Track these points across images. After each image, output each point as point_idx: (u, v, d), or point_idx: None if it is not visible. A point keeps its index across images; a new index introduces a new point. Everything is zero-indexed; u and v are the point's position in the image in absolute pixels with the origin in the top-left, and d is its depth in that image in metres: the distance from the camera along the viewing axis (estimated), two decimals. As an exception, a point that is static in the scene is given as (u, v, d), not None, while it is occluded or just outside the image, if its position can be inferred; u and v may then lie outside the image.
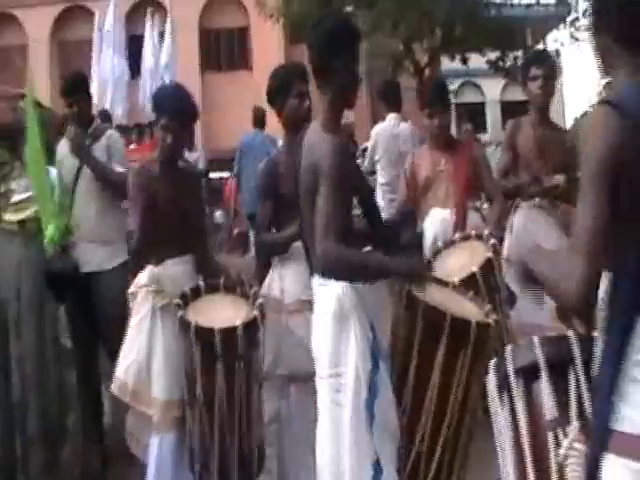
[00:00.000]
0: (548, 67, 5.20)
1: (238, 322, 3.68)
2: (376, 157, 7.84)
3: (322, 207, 3.11)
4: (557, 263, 2.14)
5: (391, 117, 7.93)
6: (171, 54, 14.51)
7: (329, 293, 3.17)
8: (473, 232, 4.29)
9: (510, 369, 2.47)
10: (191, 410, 3.75)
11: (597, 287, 2.00)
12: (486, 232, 4.19)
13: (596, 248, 1.97)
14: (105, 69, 14.21)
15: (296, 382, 4.06)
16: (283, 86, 4.16)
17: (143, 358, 3.98)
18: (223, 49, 28.50)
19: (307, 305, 3.98)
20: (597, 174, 1.99)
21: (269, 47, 25.75)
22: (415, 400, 3.37)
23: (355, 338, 3.13)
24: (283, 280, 4.20)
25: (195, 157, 11.63)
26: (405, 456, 3.32)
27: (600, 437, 2.01)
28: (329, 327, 3.15)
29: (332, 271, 3.12)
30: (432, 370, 3.36)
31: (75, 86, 5.23)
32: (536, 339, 2.50)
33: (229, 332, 3.65)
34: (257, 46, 27.15)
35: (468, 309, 3.52)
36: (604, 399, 2.00)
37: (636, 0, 2.14)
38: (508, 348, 2.50)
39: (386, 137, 7.82)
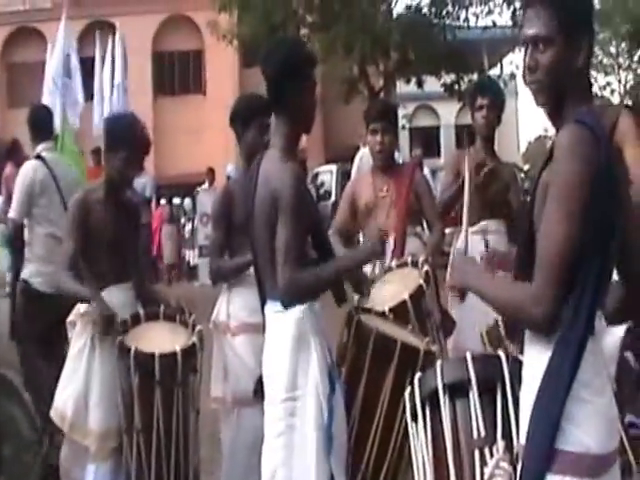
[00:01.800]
0: (493, 97, 5.20)
1: (177, 348, 3.76)
2: None
3: (283, 237, 3.14)
4: (515, 285, 2.19)
5: None
6: (122, 77, 14.49)
7: (287, 318, 3.19)
8: (409, 259, 4.35)
9: (439, 385, 2.53)
10: (128, 437, 3.79)
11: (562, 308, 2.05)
12: (421, 259, 4.24)
13: (566, 269, 2.03)
14: (55, 92, 14.13)
15: (240, 406, 4.12)
16: (246, 116, 4.29)
17: (81, 389, 4.01)
18: (177, 72, 28.51)
19: (251, 328, 4.07)
20: (578, 192, 2.03)
21: (223, 71, 25.86)
22: (362, 425, 3.48)
23: (315, 361, 3.17)
24: (230, 304, 4.29)
25: (142, 182, 11.60)
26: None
27: (543, 457, 2.06)
28: (288, 351, 3.18)
29: (295, 297, 3.16)
30: (380, 396, 3.46)
31: None
32: (469, 355, 2.58)
33: (169, 358, 3.72)
34: (211, 70, 27.25)
35: (412, 339, 3.65)
36: (548, 419, 2.05)
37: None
38: (438, 363, 2.57)
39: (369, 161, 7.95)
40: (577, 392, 2.05)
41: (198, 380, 3.90)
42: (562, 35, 2.17)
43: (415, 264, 4.25)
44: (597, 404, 2.07)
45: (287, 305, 3.16)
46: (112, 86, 14.12)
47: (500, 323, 3.54)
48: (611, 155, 2.11)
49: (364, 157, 8.03)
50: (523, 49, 2.29)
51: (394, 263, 4.39)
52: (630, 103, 29.63)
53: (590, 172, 2.04)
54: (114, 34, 14.25)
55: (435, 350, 3.55)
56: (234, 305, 4.27)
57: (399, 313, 3.91)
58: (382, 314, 3.86)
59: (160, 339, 3.92)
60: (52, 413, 4.07)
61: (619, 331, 3.49)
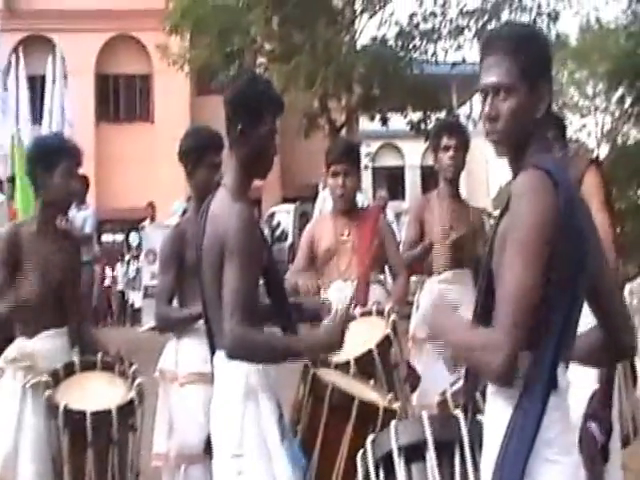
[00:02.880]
0: (461, 137, 5.29)
1: (112, 405, 3.69)
2: None
3: (230, 285, 3.12)
4: (477, 333, 2.23)
5: None
6: (60, 100, 14.24)
7: (236, 370, 3.20)
8: (374, 307, 4.39)
9: (394, 447, 2.60)
10: None
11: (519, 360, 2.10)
12: (387, 308, 4.29)
13: (526, 320, 2.09)
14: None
15: (187, 463, 4.11)
16: (195, 153, 4.33)
17: (11, 444, 3.91)
18: (122, 98, 28.39)
19: (201, 377, 4.08)
20: (535, 240, 2.10)
21: (173, 98, 25.79)
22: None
23: (263, 418, 3.18)
24: (179, 352, 4.29)
25: (83, 216, 11.48)
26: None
27: None
28: (236, 406, 3.18)
29: (239, 355, 3.14)
30: (337, 456, 3.48)
31: None
32: (425, 416, 2.65)
33: (103, 416, 3.66)
34: (160, 96, 27.13)
35: (372, 395, 3.68)
36: (511, 479, 2.10)
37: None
38: (392, 424, 2.64)
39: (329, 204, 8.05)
40: (541, 451, 2.10)
41: (137, 439, 3.83)
42: (524, 83, 2.27)
43: (380, 313, 4.29)
44: (563, 464, 2.13)
45: (229, 357, 3.15)
46: (49, 110, 13.92)
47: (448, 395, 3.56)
48: (572, 200, 2.18)
49: (327, 200, 8.13)
50: (481, 98, 2.40)
51: (357, 311, 4.39)
52: (607, 147, 30.22)
53: (547, 218, 2.11)
54: (53, 52, 14.12)
55: (397, 408, 3.55)
56: (183, 353, 4.25)
57: (364, 364, 3.93)
58: (345, 364, 3.86)
59: (95, 393, 3.86)
60: None
61: (583, 399, 3.61)
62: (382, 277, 5.07)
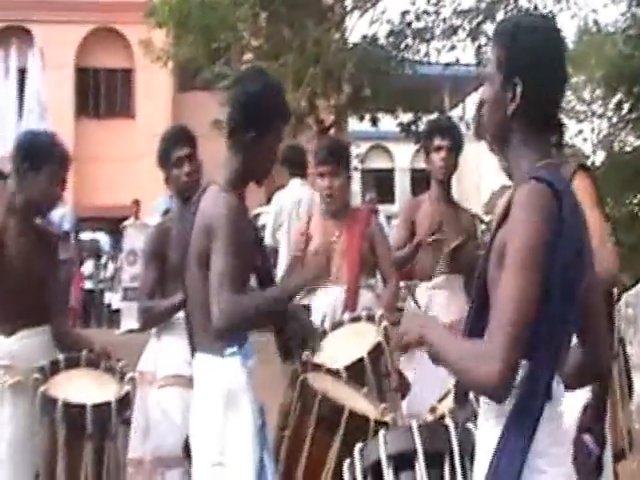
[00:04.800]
0: (454, 138, 5.34)
1: (112, 397, 3.74)
2: (277, 226, 8.10)
3: (216, 269, 3.15)
4: (468, 345, 2.24)
5: (294, 183, 8.18)
6: (37, 94, 14.17)
7: (218, 374, 3.22)
8: (364, 313, 4.40)
9: (383, 456, 2.64)
10: None
11: (516, 372, 2.12)
12: (379, 313, 4.29)
13: (522, 333, 2.10)
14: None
15: (163, 466, 4.16)
16: (163, 154, 4.46)
17: None
18: (103, 92, 28.30)
19: (179, 380, 4.14)
20: (535, 253, 2.12)
21: (156, 94, 25.72)
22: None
23: (244, 425, 3.19)
24: (159, 353, 4.36)
25: (61, 214, 11.48)
26: None
27: None
28: (216, 411, 3.20)
29: (231, 327, 3.14)
30: (323, 466, 3.48)
31: None
32: (414, 425, 2.69)
33: (102, 409, 3.70)
34: (142, 92, 27.05)
35: (363, 405, 3.68)
36: None
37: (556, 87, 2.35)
38: (381, 433, 2.67)
39: (289, 205, 8.05)
40: (532, 461, 2.12)
41: (129, 433, 3.87)
42: (499, 76, 2.29)
43: (370, 319, 4.30)
44: (553, 475, 2.15)
45: (223, 335, 3.16)
46: (25, 104, 13.85)
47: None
48: (575, 211, 2.21)
49: (285, 202, 8.16)
50: None
51: (346, 317, 4.44)
52: (603, 153, 30.29)
53: (549, 232, 2.13)
54: (29, 44, 14.06)
55: (389, 420, 3.55)
56: (163, 354, 4.32)
57: (355, 372, 3.95)
58: (335, 372, 3.88)
59: (85, 388, 3.88)
60: None
61: (576, 409, 3.64)
62: (373, 282, 5.09)
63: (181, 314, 4.12)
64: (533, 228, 2.14)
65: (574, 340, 2.39)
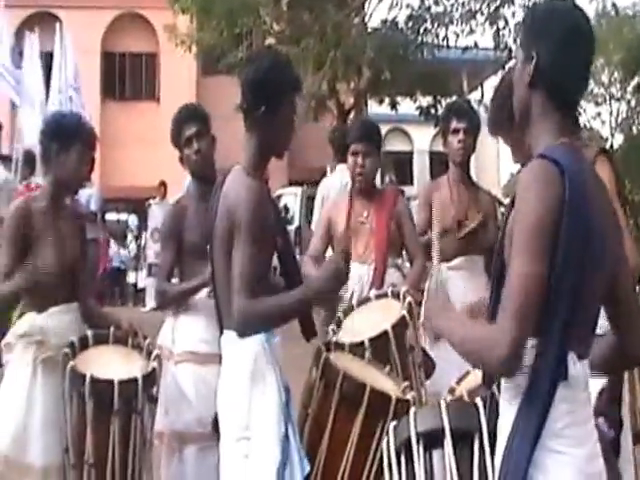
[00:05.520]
0: (471, 121, 5.29)
1: (138, 374, 3.77)
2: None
3: (239, 260, 3.16)
4: (479, 326, 2.27)
5: (341, 168, 7.94)
6: (70, 79, 14.21)
7: (244, 351, 3.21)
8: (390, 290, 4.38)
9: (412, 433, 2.63)
10: (77, 473, 3.75)
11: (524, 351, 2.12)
12: (403, 289, 4.27)
13: (530, 311, 2.10)
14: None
15: (179, 443, 4.17)
16: (175, 134, 4.46)
17: (20, 420, 3.95)
18: (128, 76, 28.39)
19: (196, 358, 4.17)
20: (538, 231, 2.12)
21: (179, 78, 25.77)
22: (326, 473, 3.49)
23: (269, 401, 3.19)
24: (175, 330, 4.35)
25: (88, 194, 11.51)
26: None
27: None
28: (243, 387, 3.20)
29: (250, 330, 3.18)
30: (346, 445, 3.47)
31: None
32: (443, 404, 2.68)
33: (129, 385, 3.73)
34: (166, 75, 27.14)
35: (385, 383, 3.67)
36: (518, 469, 2.13)
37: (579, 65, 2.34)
38: (411, 411, 2.66)
39: (334, 191, 7.85)
40: (547, 442, 2.12)
41: (155, 410, 3.90)
42: (521, 52, 2.36)
43: (395, 295, 4.29)
44: (572, 455, 2.14)
45: (242, 335, 3.18)
46: (59, 88, 13.91)
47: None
48: (581, 189, 2.17)
49: (332, 189, 8.04)
50: None
51: (373, 294, 4.44)
52: (621, 136, 30.12)
53: (550, 209, 2.13)
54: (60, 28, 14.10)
55: (410, 398, 3.54)
56: (179, 331, 4.33)
57: (379, 345, 3.93)
58: (360, 345, 3.87)
59: (114, 364, 3.91)
60: None
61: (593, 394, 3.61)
62: (399, 261, 5.07)
63: (199, 295, 4.20)
64: (532, 206, 2.14)
65: (607, 325, 2.37)
